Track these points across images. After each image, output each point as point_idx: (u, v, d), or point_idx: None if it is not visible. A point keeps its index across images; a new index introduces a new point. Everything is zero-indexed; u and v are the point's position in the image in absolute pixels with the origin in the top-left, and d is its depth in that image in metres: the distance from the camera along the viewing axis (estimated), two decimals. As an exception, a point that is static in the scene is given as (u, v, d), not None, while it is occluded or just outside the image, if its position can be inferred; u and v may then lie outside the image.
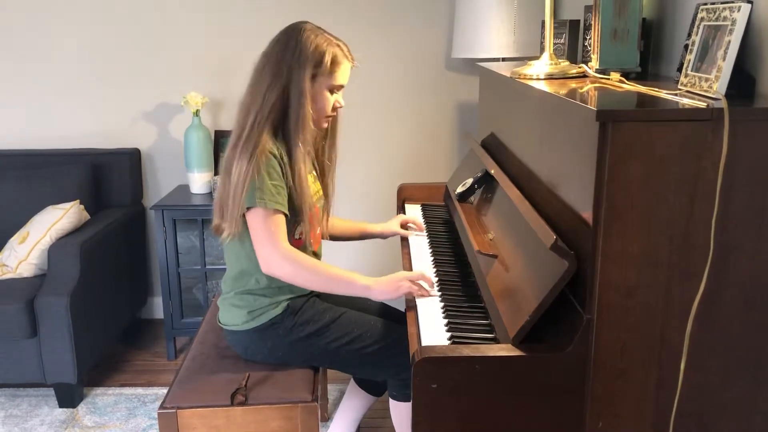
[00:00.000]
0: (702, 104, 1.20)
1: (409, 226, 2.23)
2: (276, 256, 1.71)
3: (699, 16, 1.42)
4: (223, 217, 1.76)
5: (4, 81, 3.15)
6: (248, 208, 1.70)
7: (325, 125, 1.87)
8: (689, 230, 1.20)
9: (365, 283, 1.74)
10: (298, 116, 1.73)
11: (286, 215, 1.74)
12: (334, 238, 2.13)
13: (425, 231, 2.21)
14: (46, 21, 3.08)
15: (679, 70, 1.50)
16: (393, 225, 2.21)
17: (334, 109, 1.84)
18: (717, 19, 1.34)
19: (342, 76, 1.80)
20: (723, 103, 1.16)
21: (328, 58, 1.74)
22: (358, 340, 1.81)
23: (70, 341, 2.50)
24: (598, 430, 1.30)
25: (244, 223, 1.74)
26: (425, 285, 1.73)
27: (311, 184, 1.83)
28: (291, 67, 1.72)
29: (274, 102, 1.72)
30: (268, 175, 1.69)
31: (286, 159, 1.75)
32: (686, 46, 1.49)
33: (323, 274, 1.75)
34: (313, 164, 1.92)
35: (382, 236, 2.22)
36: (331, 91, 1.80)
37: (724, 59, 1.28)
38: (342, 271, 1.78)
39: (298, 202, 1.77)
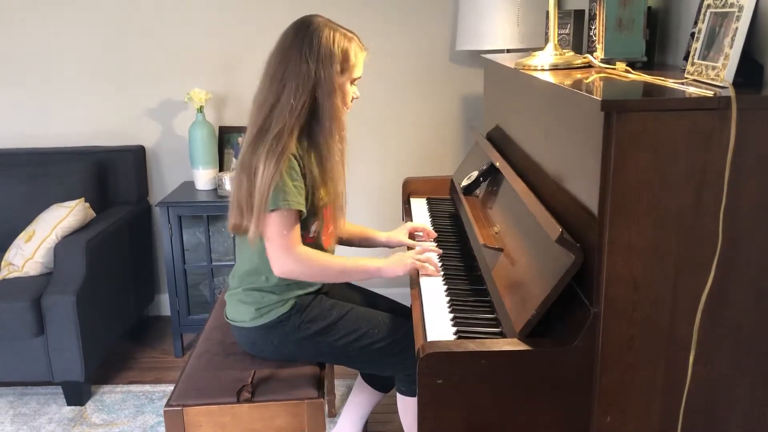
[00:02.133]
0: (709, 93, 1.18)
1: (417, 235, 2.12)
2: (289, 260, 1.72)
3: (705, 3, 1.39)
4: (242, 216, 1.75)
5: (8, 80, 3.15)
6: (271, 210, 1.69)
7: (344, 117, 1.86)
8: (697, 221, 1.18)
9: (376, 265, 1.81)
10: (332, 114, 1.73)
11: (303, 215, 1.74)
12: (340, 241, 2.10)
13: (432, 237, 2.11)
14: (50, 19, 3.08)
15: (686, 58, 1.47)
16: (400, 234, 2.09)
17: (352, 100, 1.84)
18: (724, 6, 1.32)
19: (361, 68, 1.82)
20: (730, 92, 1.14)
21: (352, 53, 1.76)
22: (366, 337, 1.81)
23: (77, 339, 2.50)
24: (606, 424, 1.28)
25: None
26: (431, 268, 1.79)
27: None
28: (318, 65, 1.70)
29: (305, 103, 1.71)
30: (289, 176, 1.69)
31: (306, 159, 1.74)
32: (693, 34, 1.46)
33: (334, 268, 1.80)
34: None
35: (388, 245, 2.13)
36: (351, 84, 1.81)
37: (731, 47, 1.26)
38: (351, 260, 1.82)
39: (318, 200, 1.77)
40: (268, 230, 1.71)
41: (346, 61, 1.75)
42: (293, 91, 1.70)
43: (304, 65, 1.70)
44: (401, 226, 2.15)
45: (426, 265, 1.80)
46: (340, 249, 2.16)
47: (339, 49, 1.73)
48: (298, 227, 1.74)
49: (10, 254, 2.69)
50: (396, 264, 1.80)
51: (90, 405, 2.63)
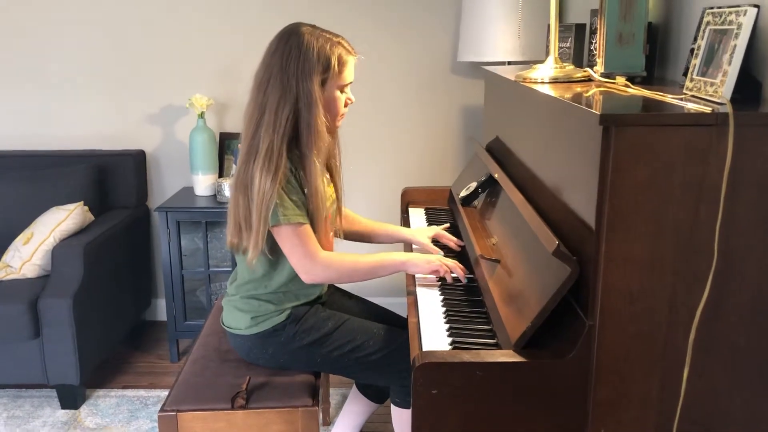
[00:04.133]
0: (707, 109, 1.19)
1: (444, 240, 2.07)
2: (317, 267, 1.73)
3: (705, 20, 1.40)
4: (240, 235, 1.74)
5: (10, 82, 3.16)
6: (273, 226, 1.69)
7: (339, 124, 1.85)
8: (693, 235, 1.19)
9: (402, 259, 1.82)
10: (311, 127, 1.70)
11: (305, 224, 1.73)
12: (351, 236, 2.09)
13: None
14: (52, 23, 3.09)
15: (685, 74, 1.48)
16: (424, 237, 2.04)
17: (346, 105, 1.82)
18: (723, 23, 1.33)
19: (350, 73, 1.78)
20: (728, 108, 1.15)
21: (334, 60, 1.71)
22: (361, 348, 1.80)
23: (72, 342, 2.50)
24: (600, 437, 1.28)
25: (268, 239, 1.72)
26: (458, 273, 1.79)
27: (325, 190, 1.81)
28: (298, 78, 1.67)
29: (288, 117, 1.68)
30: (286, 191, 1.68)
31: (302, 171, 1.73)
32: (692, 51, 1.48)
33: (362, 267, 1.80)
34: (326, 167, 1.89)
35: (410, 242, 2.08)
36: (341, 90, 1.78)
37: (729, 63, 1.27)
38: (376, 256, 1.82)
39: (312, 211, 1.76)
40: (285, 245, 1.72)
41: (327, 71, 1.70)
42: (275, 105, 1.68)
43: (285, 77, 1.68)
44: (427, 228, 2.13)
45: (449, 272, 1.78)
46: (353, 245, 2.16)
47: (319, 59, 1.68)
48: (311, 235, 1.73)
49: (8, 256, 2.69)
50: (421, 260, 1.80)
51: (84, 409, 2.62)
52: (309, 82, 1.68)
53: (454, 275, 1.79)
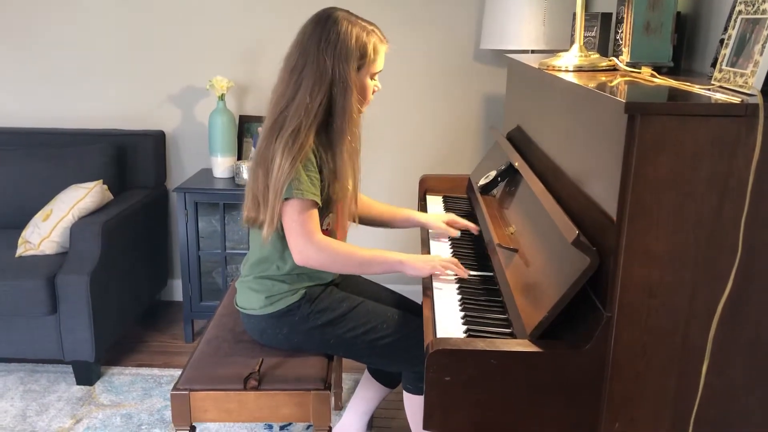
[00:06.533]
0: (736, 99, 1.16)
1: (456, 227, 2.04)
2: (311, 248, 1.71)
3: (737, 9, 1.37)
4: (258, 209, 1.75)
5: (32, 60, 3.18)
6: (285, 199, 1.69)
7: (364, 111, 1.84)
8: (717, 229, 1.16)
9: (399, 258, 1.76)
10: (345, 111, 1.71)
11: (318, 205, 1.73)
12: (367, 221, 2.08)
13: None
14: (77, 2, 3.10)
15: (713, 65, 1.45)
16: (440, 222, 2.04)
17: (373, 93, 1.82)
18: (756, 12, 1.29)
19: (381, 61, 1.79)
20: (758, 99, 1.12)
21: (371, 49, 1.73)
22: (374, 331, 1.80)
23: (89, 319, 2.52)
24: (615, 431, 1.27)
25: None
26: (455, 272, 1.73)
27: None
28: (335, 62, 1.69)
29: (322, 101, 1.69)
30: (304, 167, 1.68)
31: (323, 152, 1.73)
32: (722, 41, 1.44)
33: (357, 258, 1.76)
34: None
35: (425, 227, 2.08)
36: (371, 78, 1.79)
37: (761, 54, 1.23)
38: (374, 251, 1.79)
39: (333, 194, 1.76)
40: (286, 219, 1.71)
41: (363, 57, 1.73)
42: (310, 89, 1.69)
43: (322, 61, 1.69)
44: (443, 214, 2.11)
45: (452, 270, 1.74)
46: (365, 230, 2.14)
47: (357, 46, 1.71)
48: (316, 216, 1.73)
49: (27, 232, 2.72)
50: (419, 262, 1.75)
51: (99, 385, 2.65)
52: (346, 66, 1.69)
53: (451, 274, 1.74)
